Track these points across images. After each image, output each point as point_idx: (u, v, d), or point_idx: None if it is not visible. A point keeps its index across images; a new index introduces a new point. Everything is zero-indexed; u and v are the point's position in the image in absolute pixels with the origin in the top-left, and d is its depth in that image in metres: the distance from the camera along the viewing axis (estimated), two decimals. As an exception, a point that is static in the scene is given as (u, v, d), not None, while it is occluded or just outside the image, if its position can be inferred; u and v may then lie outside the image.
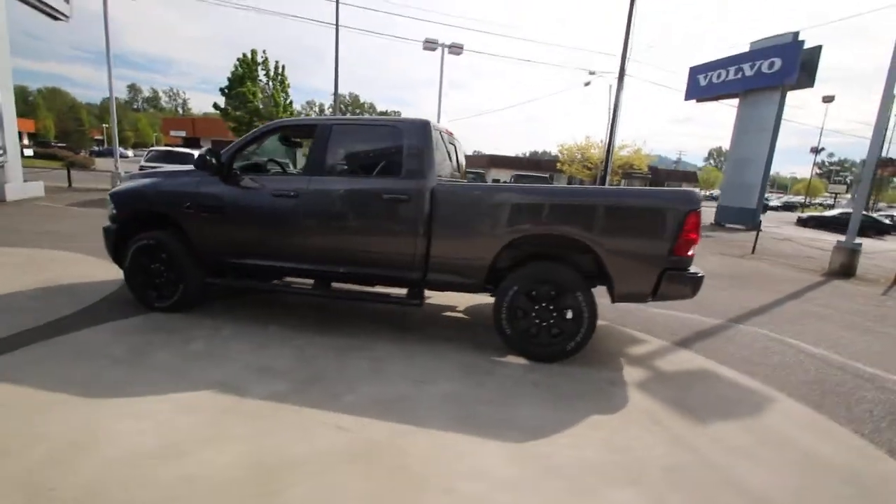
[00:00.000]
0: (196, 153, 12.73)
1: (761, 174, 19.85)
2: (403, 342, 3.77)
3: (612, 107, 21.61)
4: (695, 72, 22.71)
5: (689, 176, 60.31)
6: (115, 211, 4.21)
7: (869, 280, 8.59)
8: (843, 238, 9.17)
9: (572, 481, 2.14)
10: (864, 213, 26.46)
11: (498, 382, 3.13)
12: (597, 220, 3.29)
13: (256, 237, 3.87)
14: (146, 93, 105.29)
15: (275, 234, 3.83)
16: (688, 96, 23.42)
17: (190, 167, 4.22)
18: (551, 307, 3.44)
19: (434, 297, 5.07)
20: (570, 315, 3.41)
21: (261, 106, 31.05)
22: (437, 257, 3.56)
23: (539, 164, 49.89)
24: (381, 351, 3.55)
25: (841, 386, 3.52)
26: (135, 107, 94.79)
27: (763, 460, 2.44)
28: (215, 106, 31.66)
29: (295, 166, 5.12)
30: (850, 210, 26.79)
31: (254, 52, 31.44)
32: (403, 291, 3.92)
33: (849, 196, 49.48)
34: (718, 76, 21.42)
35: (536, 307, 3.46)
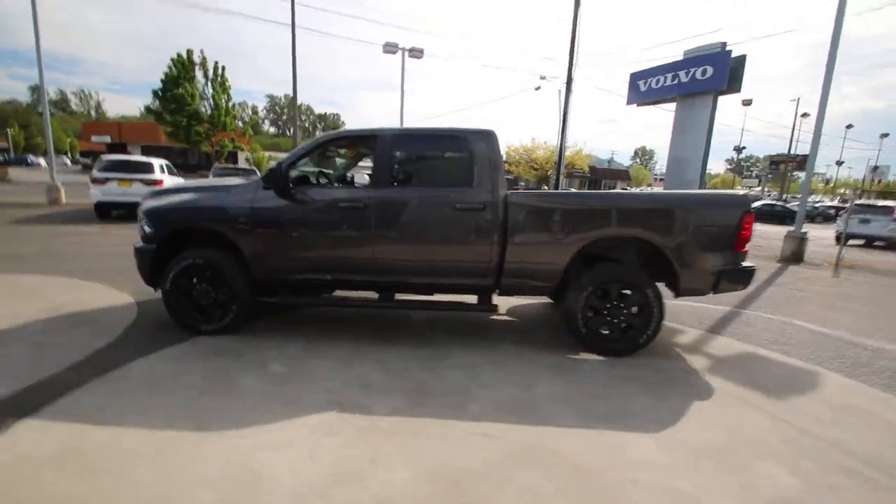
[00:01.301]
0: (157, 162, 11.82)
1: (699, 172, 21.70)
2: (475, 348, 3.83)
3: (562, 110, 22.88)
4: (635, 77, 24.35)
5: (623, 174, 64.34)
6: (150, 230, 3.89)
7: (816, 264, 9.74)
8: (791, 228, 10.34)
9: (719, 460, 2.34)
10: (782, 204, 29.69)
11: (591, 379, 3.30)
12: (666, 223, 3.55)
13: (322, 251, 3.76)
14: (52, 94, 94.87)
15: (342, 248, 3.75)
16: (629, 101, 25.03)
17: (204, 180, 4.01)
18: (622, 305, 3.66)
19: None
20: (640, 311, 3.65)
21: (208, 109, 29.16)
22: (512, 264, 3.66)
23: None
24: (462, 358, 3.59)
25: (859, 358, 4.05)
26: (39, 110, 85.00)
27: (849, 426, 2.79)
28: (148, 109, 29.49)
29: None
30: (770, 202, 30.04)
31: (190, 53, 29.64)
32: (459, 298, 3.98)
33: (758, 189, 55.30)
34: (657, 82, 23.11)
35: (608, 306, 3.67)
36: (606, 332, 3.72)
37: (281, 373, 3.22)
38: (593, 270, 3.67)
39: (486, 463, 2.23)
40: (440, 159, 3.92)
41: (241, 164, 31.74)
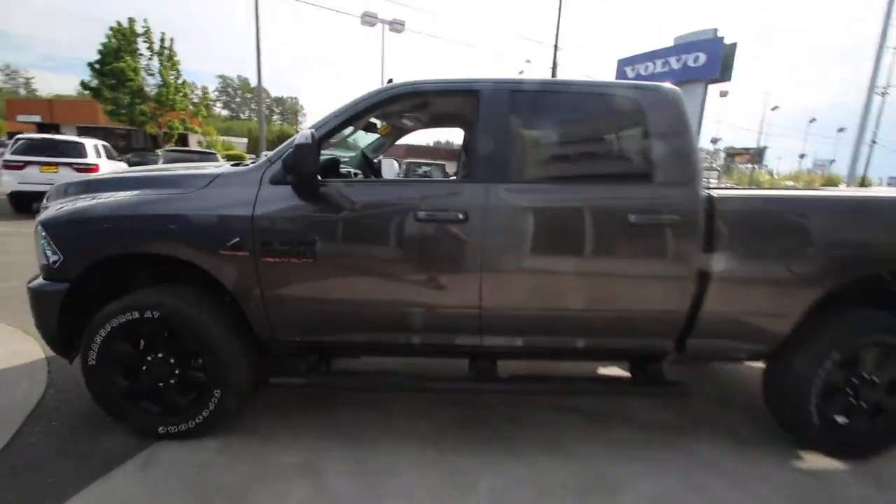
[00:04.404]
0: (90, 142, 9.48)
1: (688, 164, 21.09)
2: (637, 453, 2.32)
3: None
4: (623, 64, 23.39)
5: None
6: (57, 257, 2.11)
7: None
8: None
9: None
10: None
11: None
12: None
13: (381, 294, 2.13)
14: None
15: (420, 289, 2.13)
16: (617, 88, 24.16)
17: (203, 168, 2.31)
18: (875, 379, 2.25)
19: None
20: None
21: (154, 87, 25.93)
22: (714, 314, 2.16)
23: (453, 154, 49.28)
24: (643, 483, 2.06)
25: None
26: (-52, 86, 74.96)
27: None
28: (84, 85, 25.90)
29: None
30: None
31: (132, 22, 26.19)
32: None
33: (715, 181, 56.73)
34: (646, 69, 22.20)
35: (856, 380, 2.25)
36: (845, 420, 2.31)
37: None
38: (840, 324, 2.23)
39: None
40: (593, 136, 2.31)
41: (193, 147, 28.68)
